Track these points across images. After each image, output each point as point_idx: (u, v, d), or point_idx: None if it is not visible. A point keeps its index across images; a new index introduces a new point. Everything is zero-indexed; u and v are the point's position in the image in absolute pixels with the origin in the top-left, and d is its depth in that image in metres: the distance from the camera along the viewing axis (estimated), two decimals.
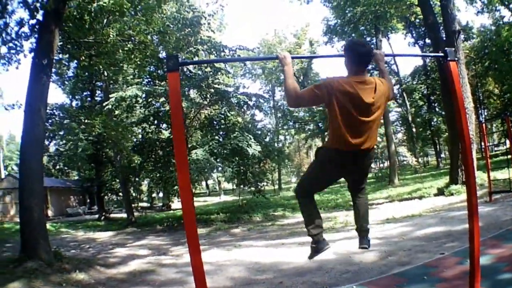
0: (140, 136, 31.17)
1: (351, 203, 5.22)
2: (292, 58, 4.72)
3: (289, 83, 4.42)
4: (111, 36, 16.95)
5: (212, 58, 28.16)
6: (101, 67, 20.35)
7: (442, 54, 4.91)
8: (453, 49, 5.01)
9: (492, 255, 6.48)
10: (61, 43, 15.34)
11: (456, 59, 4.98)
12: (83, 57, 17.71)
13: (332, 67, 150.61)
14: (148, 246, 17.60)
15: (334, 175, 4.89)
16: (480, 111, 58.05)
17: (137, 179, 33.04)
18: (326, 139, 5.15)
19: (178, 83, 4.15)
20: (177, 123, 4.12)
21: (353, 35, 45.33)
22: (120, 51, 18.30)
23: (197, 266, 3.92)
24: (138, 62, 20.23)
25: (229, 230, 21.08)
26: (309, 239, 5.17)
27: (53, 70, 19.99)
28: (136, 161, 29.15)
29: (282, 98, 71.25)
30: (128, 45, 18.23)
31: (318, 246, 5.02)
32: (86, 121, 23.39)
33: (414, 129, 62.37)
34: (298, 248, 11.75)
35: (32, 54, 14.09)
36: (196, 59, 25.84)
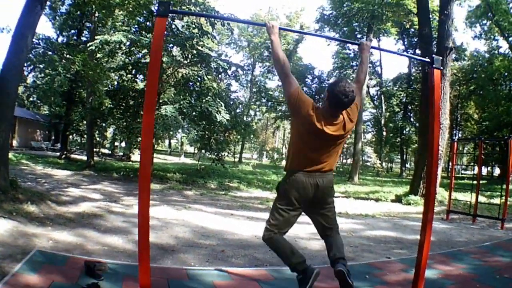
0: (115, 82, 31.11)
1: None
2: (280, 29, 4.88)
3: (279, 51, 4.60)
4: None
5: (203, 21, 28.21)
6: (94, 7, 20.31)
7: (428, 60, 5.09)
8: (440, 58, 5.20)
9: (439, 271, 6.59)
10: None
11: (441, 68, 5.16)
12: None
13: (317, 56, 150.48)
14: (101, 191, 17.55)
15: (297, 207, 4.70)
16: (454, 131, 58.66)
17: (103, 124, 33.01)
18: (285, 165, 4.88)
19: (164, 29, 4.27)
20: (154, 69, 4.23)
21: (344, 29, 45.48)
22: None
23: (144, 217, 4.06)
24: (130, 9, 20.17)
25: (183, 191, 21.09)
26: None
27: (48, 3, 19.89)
28: (107, 106, 29.02)
29: (261, 74, 71.24)
30: None
31: (307, 274, 4.64)
32: (67, 56, 23.30)
33: (384, 133, 62.93)
34: (245, 221, 11.95)
35: None
36: (186, 18, 25.98)
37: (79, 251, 6.82)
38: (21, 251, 6.19)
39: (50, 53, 25.47)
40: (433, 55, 5.04)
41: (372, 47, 5.36)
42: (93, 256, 6.59)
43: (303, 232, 9.40)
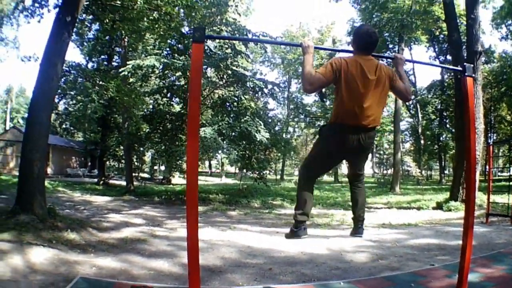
0: (151, 106, 31.27)
1: (349, 195, 5.29)
2: (315, 48, 4.85)
3: (308, 69, 4.56)
4: (138, 3, 16.86)
5: (235, 41, 28.27)
6: (123, 32, 20.43)
7: (460, 69, 4.95)
8: (472, 65, 5.06)
9: (481, 274, 6.49)
10: (87, 2, 15.31)
11: (473, 75, 5.03)
12: (107, 20, 17.75)
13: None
14: (143, 215, 17.54)
15: (336, 154, 4.97)
16: (489, 135, 58.14)
17: (141, 148, 33.21)
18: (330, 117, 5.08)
19: (202, 55, 4.18)
20: (195, 94, 4.16)
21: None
22: (145, 19, 18.31)
23: (193, 240, 3.96)
24: (161, 33, 20.25)
25: (226, 211, 20.98)
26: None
27: (75, 29, 20.06)
28: (144, 130, 29.12)
29: (297, 91, 71.57)
30: (154, 15, 18.22)
31: (298, 232, 5.42)
32: (100, 82, 23.47)
33: (422, 141, 62.74)
34: (291, 239, 11.80)
35: (57, 9, 14.16)
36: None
37: (124, 277, 6.79)
38: (63, 279, 6.16)
39: (81, 80, 25.69)
40: (465, 64, 4.93)
41: (407, 60, 5.39)
42: (138, 280, 6.58)
43: (349, 245, 9.48)
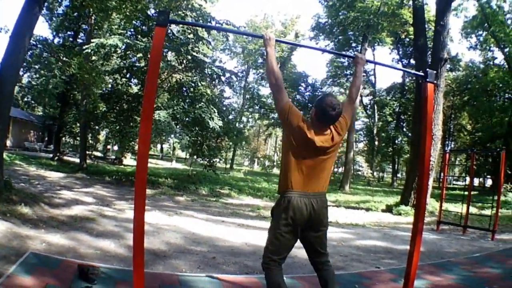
0: (109, 86, 31.15)
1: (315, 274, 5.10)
2: (277, 41, 4.95)
3: (273, 63, 4.67)
4: None
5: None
6: (91, 10, 20.37)
7: (422, 74, 5.16)
8: (434, 71, 5.26)
9: (428, 281, 6.64)
10: None
11: (435, 82, 5.24)
12: None
13: (311, 64, 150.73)
14: (94, 194, 17.67)
15: (293, 231, 4.62)
16: (447, 142, 58.64)
17: (97, 127, 33.08)
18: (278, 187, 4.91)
19: (163, 38, 4.29)
20: (152, 76, 4.26)
21: (340, 37, 45.63)
22: None
23: (139, 223, 4.08)
24: (127, 13, 20.19)
25: (174, 196, 21.14)
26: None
27: (46, 3, 19.92)
28: (100, 109, 28.97)
29: (254, 81, 71.35)
30: None
31: None
32: (64, 58, 23.32)
33: (376, 142, 62.99)
34: (236, 229, 12.02)
35: None
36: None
37: (72, 255, 6.89)
38: (15, 253, 6.27)
39: (46, 54, 25.47)
40: (427, 70, 5.14)
41: (367, 61, 5.39)
42: (85, 259, 6.65)
43: None
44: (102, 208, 13.39)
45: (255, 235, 10.65)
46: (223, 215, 15.65)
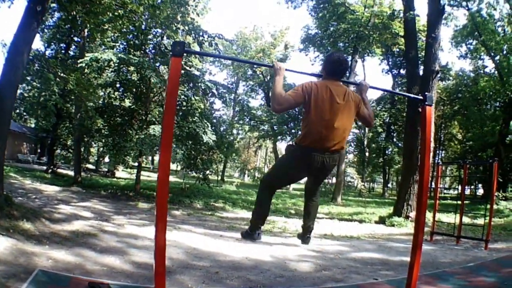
0: (102, 99, 31.21)
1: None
2: (287, 70, 5.16)
3: (278, 89, 4.96)
4: None
5: (190, 39, 28.45)
6: (88, 25, 20.50)
7: (421, 97, 5.33)
8: (433, 95, 5.48)
9: None
10: None
11: (433, 104, 5.43)
12: (75, 12, 17.75)
13: (301, 76, 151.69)
14: (92, 209, 17.75)
15: (299, 172, 5.28)
16: (438, 152, 58.78)
17: (90, 140, 33.16)
18: (298, 136, 5.29)
19: (179, 69, 4.43)
20: (171, 106, 4.40)
21: (329, 48, 45.78)
22: (110, 14, 18.37)
23: (161, 246, 4.25)
24: (124, 30, 20.35)
25: (170, 210, 20.90)
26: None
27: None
28: (98, 125, 28.95)
29: (244, 93, 71.35)
30: (120, 11, 18.24)
31: (253, 235, 6.00)
32: (62, 74, 23.34)
33: (367, 154, 63.37)
34: (235, 243, 12.04)
35: None
36: (177, 38, 26.30)
37: (79, 271, 7.01)
38: (24, 270, 6.40)
39: (44, 70, 25.43)
40: (426, 93, 5.29)
41: (371, 87, 5.63)
42: (93, 276, 6.80)
43: (292, 254, 9.71)
44: (101, 223, 13.45)
45: (254, 249, 10.72)
46: (220, 229, 15.74)
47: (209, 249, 10.37)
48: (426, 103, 5.21)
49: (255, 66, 59.40)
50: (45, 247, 8.48)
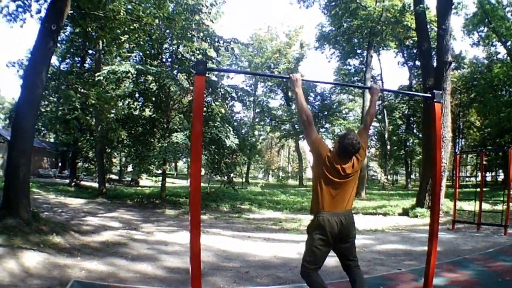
0: (124, 110, 31.43)
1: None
2: (303, 81, 5.51)
3: (303, 103, 5.23)
4: (121, 14, 17.14)
5: (206, 45, 28.73)
6: (104, 40, 20.86)
7: (429, 95, 5.61)
8: (441, 92, 5.73)
9: (446, 278, 7.08)
10: (71, 11, 15.53)
11: (441, 101, 5.72)
12: (89, 29, 18.04)
13: (318, 73, 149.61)
14: (119, 219, 17.98)
15: (325, 243, 5.16)
16: (457, 140, 58.42)
17: (112, 150, 33.72)
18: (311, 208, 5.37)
19: (203, 87, 4.70)
20: (197, 123, 4.71)
21: (344, 45, 45.82)
22: (126, 29, 18.67)
23: (196, 251, 4.58)
24: (141, 42, 20.60)
25: None
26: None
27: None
28: (123, 136, 29.07)
29: (263, 94, 71.43)
30: (135, 25, 18.44)
31: None
32: (82, 90, 23.55)
33: (388, 147, 63.07)
34: (263, 243, 12.38)
35: (39, 15, 14.60)
36: (194, 46, 26.74)
37: (113, 279, 7.33)
38: (58, 283, 6.72)
39: (63, 87, 25.61)
40: (434, 91, 5.55)
41: (382, 90, 5.90)
42: (127, 283, 7.11)
43: None
44: (130, 232, 13.79)
45: (281, 248, 11.06)
46: (247, 230, 15.99)
47: (238, 250, 10.63)
48: (435, 100, 5.46)
49: (272, 67, 59.42)
50: (77, 259, 8.78)
